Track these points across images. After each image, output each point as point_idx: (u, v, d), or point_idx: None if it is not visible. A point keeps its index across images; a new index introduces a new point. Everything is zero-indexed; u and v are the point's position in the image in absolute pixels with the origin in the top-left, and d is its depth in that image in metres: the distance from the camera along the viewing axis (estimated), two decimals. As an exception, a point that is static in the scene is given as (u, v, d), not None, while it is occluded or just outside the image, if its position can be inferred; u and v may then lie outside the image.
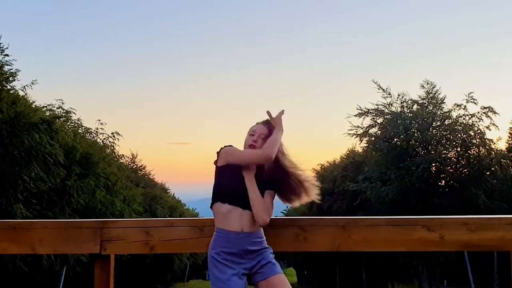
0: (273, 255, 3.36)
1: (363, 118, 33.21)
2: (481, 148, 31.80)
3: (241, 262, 3.22)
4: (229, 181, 3.36)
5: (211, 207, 3.37)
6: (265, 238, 3.39)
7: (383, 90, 32.88)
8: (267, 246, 3.36)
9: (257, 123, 3.62)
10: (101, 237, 3.50)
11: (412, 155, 31.48)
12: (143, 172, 54.28)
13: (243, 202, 3.30)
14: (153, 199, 48.86)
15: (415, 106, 33.15)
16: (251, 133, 3.53)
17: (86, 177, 26.67)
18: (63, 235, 3.55)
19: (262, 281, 3.23)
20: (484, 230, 3.46)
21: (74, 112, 29.84)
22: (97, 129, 32.45)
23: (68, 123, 29.65)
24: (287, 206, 77.83)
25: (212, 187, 3.41)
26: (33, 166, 22.08)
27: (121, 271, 30.12)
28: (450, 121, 32.24)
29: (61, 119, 26.87)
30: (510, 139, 44.24)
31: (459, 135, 31.97)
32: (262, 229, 3.38)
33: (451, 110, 32.44)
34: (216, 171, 3.43)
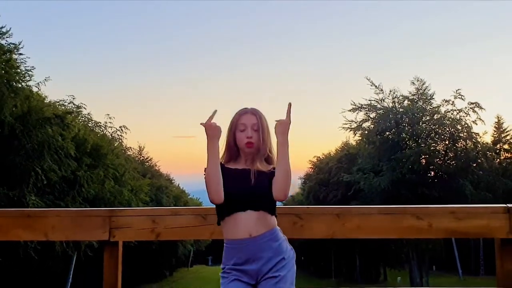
0: (292, 262, 2.98)
1: (357, 113, 33.39)
2: (468, 141, 31.94)
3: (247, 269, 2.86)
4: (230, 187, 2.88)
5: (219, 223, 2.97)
6: (283, 238, 2.98)
7: (376, 86, 33.02)
8: (284, 250, 2.93)
9: (240, 113, 3.03)
10: (110, 224, 3.50)
11: (403, 148, 31.58)
12: (149, 164, 54.32)
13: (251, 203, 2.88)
14: (159, 189, 48.90)
15: (406, 102, 33.27)
16: (241, 128, 2.97)
17: (96, 168, 26.71)
18: (74, 223, 3.56)
19: None
20: (470, 219, 3.46)
21: (84, 107, 29.97)
22: (106, 123, 32.57)
23: (79, 117, 29.72)
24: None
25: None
26: (45, 158, 22.12)
27: (129, 256, 30.18)
28: (439, 115, 32.38)
29: (73, 114, 26.90)
30: (495, 133, 44.50)
31: (447, 129, 32.09)
32: (276, 227, 2.95)
33: (440, 105, 32.62)
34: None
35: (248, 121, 2.97)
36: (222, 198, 2.82)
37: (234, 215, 2.83)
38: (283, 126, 2.87)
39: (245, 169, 2.95)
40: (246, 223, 2.82)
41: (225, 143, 3.04)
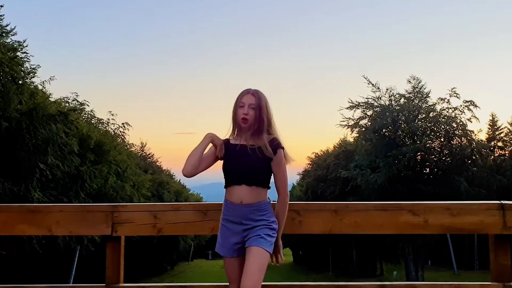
0: (273, 230, 3.27)
1: (354, 111, 33.50)
2: (463, 138, 32.00)
3: (238, 229, 3.26)
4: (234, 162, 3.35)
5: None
6: (269, 210, 3.31)
7: (373, 84, 33.11)
8: (267, 219, 3.27)
9: (243, 93, 3.39)
10: (112, 220, 3.51)
11: (399, 145, 31.62)
12: (151, 160, 54.30)
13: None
14: (160, 184, 48.89)
15: (402, 100, 33.33)
16: (240, 105, 3.34)
17: (99, 164, 26.73)
18: (78, 218, 3.57)
19: (246, 247, 3.21)
20: (465, 215, 3.47)
21: (87, 104, 30.00)
22: (108, 119, 32.58)
23: (82, 114, 29.74)
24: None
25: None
26: (49, 154, 22.13)
27: (131, 251, 30.25)
28: (435, 113, 32.45)
29: (76, 111, 26.93)
30: (489, 130, 44.52)
31: (443, 127, 32.16)
32: (266, 201, 3.32)
33: (436, 103, 32.68)
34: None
35: (247, 100, 3.35)
36: (191, 176, 3.30)
37: (232, 187, 3.30)
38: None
39: (243, 146, 3.35)
40: (239, 193, 3.28)
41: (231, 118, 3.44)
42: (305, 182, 54.50)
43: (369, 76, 33.26)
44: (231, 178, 3.30)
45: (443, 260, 50.61)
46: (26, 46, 22.49)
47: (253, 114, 3.30)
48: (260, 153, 3.26)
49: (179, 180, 68.85)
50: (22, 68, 22.13)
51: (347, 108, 33.37)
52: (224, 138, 3.42)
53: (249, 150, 3.29)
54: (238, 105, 3.35)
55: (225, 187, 3.33)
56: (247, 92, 3.38)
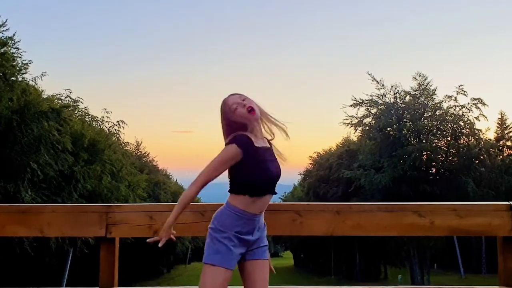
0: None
1: (358, 109, 33.42)
2: (470, 137, 31.96)
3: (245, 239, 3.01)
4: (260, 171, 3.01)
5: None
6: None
7: (377, 81, 33.03)
8: (264, 223, 3.16)
9: (228, 97, 3.10)
10: (106, 221, 3.50)
11: (405, 144, 31.57)
12: (147, 159, 54.30)
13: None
14: (156, 184, 48.90)
15: (407, 97, 33.28)
16: (234, 107, 3.01)
17: (93, 163, 26.70)
18: (71, 219, 3.56)
19: (250, 260, 3.05)
20: (472, 216, 3.47)
21: (81, 101, 29.96)
22: (103, 117, 32.49)
23: (76, 112, 29.72)
24: (284, 192, 77.88)
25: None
26: (41, 153, 22.11)
27: (125, 253, 30.24)
28: (441, 111, 32.40)
29: (70, 108, 26.91)
30: (498, 129, 44.48)
31: (450, 125, 32.13)
32: None
33: (442, 101, 32.66)
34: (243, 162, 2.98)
35: (237, 99, 3.07)
36: None
37: (262, 197, 3.01)
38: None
39: (268, 148, 3.10)
40: (264, 203, 3.04)
41: (225, 128, 3.12)
42: (307, 182, 54.45)
43: (373, 73, 33.08)
44: (266, 188, 3.02)
45: (450, 263, 50.68)
46: (18, 42, 22.51)
47: (252, 103, 3.06)
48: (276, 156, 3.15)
49: (176, 181, 68.90)
50: (13, 64, 22.12)
51: (351, 105, 33.33)
52: (244, 133, 3.03)
53: (274, 153, 3.13)
54: (231, 109, 3.05)
55: (252, 195, 2.97)
56: (231, 94, 3.12)
